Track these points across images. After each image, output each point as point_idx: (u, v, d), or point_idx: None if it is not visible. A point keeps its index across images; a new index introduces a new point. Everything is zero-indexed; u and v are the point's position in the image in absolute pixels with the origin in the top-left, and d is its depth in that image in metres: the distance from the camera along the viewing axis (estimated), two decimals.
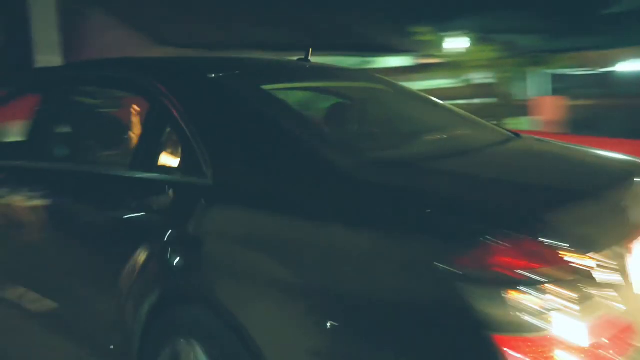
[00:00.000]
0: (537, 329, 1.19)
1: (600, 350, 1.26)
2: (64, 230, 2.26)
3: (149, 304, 1.77)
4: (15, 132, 2.95)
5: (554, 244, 1.27)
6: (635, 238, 1.51)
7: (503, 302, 1.19)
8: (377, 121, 2.63)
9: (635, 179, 1.80)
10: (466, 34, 11.98)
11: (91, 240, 2.10)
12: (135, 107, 2.27)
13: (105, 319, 1.99)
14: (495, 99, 9.68)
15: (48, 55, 10.46)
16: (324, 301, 1.40)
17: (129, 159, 2.08)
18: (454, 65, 10.67)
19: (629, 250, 1.47)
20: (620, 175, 1.91)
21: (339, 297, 1.38)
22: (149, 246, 1.80)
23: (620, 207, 1.61)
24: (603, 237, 1.43)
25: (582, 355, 1.22)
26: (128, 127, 2.37)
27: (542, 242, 1.26)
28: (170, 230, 1.76)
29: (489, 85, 10.27)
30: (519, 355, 1.17)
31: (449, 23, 13.14)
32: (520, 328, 1.18)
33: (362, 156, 1.84)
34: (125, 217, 1.95)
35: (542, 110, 8.38)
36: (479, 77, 10.68)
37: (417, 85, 12.15)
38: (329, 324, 1.37)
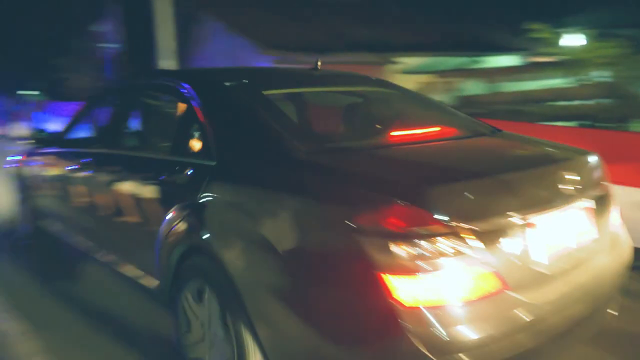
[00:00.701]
0: (412, 270, 1.67)
1: (466, 293, 1.72)
2: (128, 200, 2.91)
3: (177, 254, 2.40)
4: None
5: (434, 211, 1.71)
6: (536, 213, 1.96)
7: (388, 249, 1.67)
8: (361, 118, 3.09)
9: (552, 166, 2.23)
10: (585, 30, 11.16)
11: (145, 207, 2.77)
12: (179, 106, 2.84)
13: (150, 264, 2.66)
14: (615, 99, 8.89)
15: (167, 60, 11.15)
16: (277, 249, 1.92)
17: (169, 147, 2.78)
18: (571, 63, 9.95)
19: (529, 223, 1.92)
20: (540, 162, 2.31)
21: (287, 246, 1.91)
22: (177, 211, 2.42)
23: (524, 187, 2.00)
24: (492, 209, 1.85)
25: (447, 292, 1.69)
26: (171, 122, 2.98)
27: (423, 209, 1.71)
28: (188, 199, 2.38)
29: (610, 84, 9.46)
30: (395, 287, 1.66)
31: (566, 18, 12.34)
32: (400, 269, 1.66)
33: (320, 146, 2.38)
34: (164, 190, 2.61)
35: None
36: (598, 76, 9.87)
37: (528, 85, 11.53)
38: (279, 265, 1.93)
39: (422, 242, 1.69)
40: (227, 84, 2.79)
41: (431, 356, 1.68)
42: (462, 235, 1.74)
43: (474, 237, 1.76)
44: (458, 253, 1.73)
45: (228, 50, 13.75)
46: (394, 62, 12.69)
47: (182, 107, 2.76)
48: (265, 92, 2.72)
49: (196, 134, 2.57)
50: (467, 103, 11.81)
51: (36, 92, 25.36)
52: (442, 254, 1.70)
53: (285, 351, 2.02)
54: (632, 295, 3.09)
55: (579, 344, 2.54)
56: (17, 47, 29.88)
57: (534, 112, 9.34)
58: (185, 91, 2.71)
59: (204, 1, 14.59)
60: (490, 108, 10.15)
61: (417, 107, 3.31)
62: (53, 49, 22.14)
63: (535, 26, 10.17)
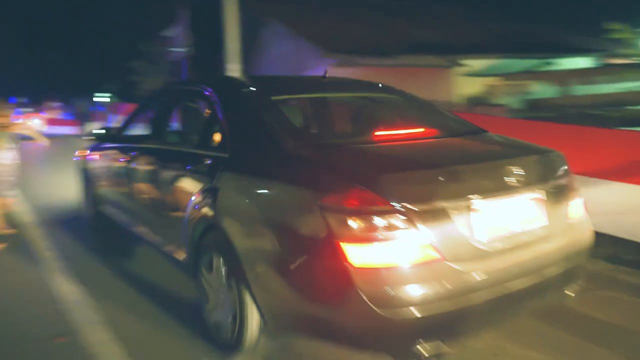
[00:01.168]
0: (362, 239, 2.13)
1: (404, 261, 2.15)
2: (164, 186, 3.46)
3: (199, 231, 2.92)
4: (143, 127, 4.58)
5: (383, 194, 2.16)
6: (479, 200, 2.32)
7: (345, 223, 2.14)
8: (357, 119, 3.60)
9: (501, 161, 2.57)
10: None
11: (177, 193, 3.29)
12: (205, 107, 3.37)
13: (180, 240, 3.19)
14: None
15: (232, 63, 11.37)
16: (267, 224, 2.44)
17: (196, 141, 3.34)
18: None
19: (472, 208, 2.30)
20: (492, 157, 2.69)
21: (273, 221, 2.43)
22: (199, 195, 2.93)
23: (469, 178, 2.38)
24: (436, 195, 2.24)
25: (389, 258, 2.14)
26: (199, 121, 3.52)
27: (374, 192, 2.16)
28: (207, 185, 2.88)
29: None
30: (348, 252, 2.12)
31: None
32: (353, 238, 2.13)
33: (308, 142, 2.90)
34: (191, 177, 3.11)
35: None
36: None
37: (605, 88, 10.89)
38: (268, 237, 2.42)
39: (372, 218, 2.16)
40: (243, 90, 3.34)
41: (373, 307, 2.13)
42: (406, 214, 2.18)
43: (416, 216, 2.19)
44: (400, 228, 2.17)
45: (291, 54, 13.86)
46: (461, 65, 12.33)
47: (207, 108, 3.33)
48: (274, 98, 3.23)
49: (216, 131, 3.09)
50: (535, 106, 11.33)
51: (108, 95, 26.56)
52: (387, 228, 2.15)
53: (273, 306, 2.52)
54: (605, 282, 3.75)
55: (527, 314, 3.00)
56: (96, 52, 31.49)
57: (611, 116, 8.82)
58: (210, 95, 3.29)
59: (269, 5, 14.78)
60: (561, 111, 9.66)
61: (414, 111, 3.71)
62: (128, 53, 23.15)
63: (614, 26, 9.58)
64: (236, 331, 2.69)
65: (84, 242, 4.98)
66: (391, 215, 2.16)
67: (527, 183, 2.52)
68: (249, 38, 14.79)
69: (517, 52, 13.73)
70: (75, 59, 34.09)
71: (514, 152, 2.85)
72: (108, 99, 26.95)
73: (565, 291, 2.75)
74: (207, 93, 3.34)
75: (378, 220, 2.15)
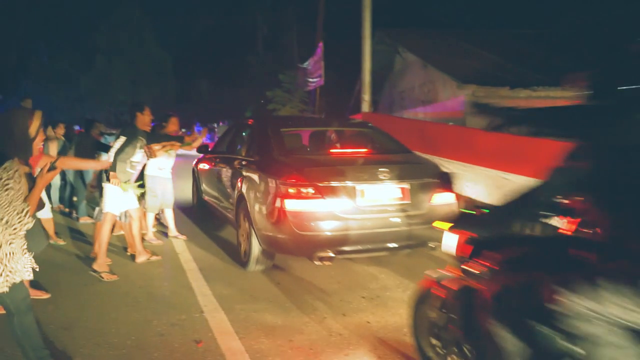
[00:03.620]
0: (293, 197, 4.60)
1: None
2: (227, 174, 6.06)
3: (237, 200, 5.51)
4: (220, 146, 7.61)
5: (305, 177, 4.62)
6: (362, 184, 4.70)
7: (287, 190, 4.59)
8: (327, 142, 6.56)
9: (385, 166, 4.78)
10: None
11: (233, 180, 5.73)
12: (249, 132, 6.23)
13: (232, 208, 5.78)
14: None
15: (366, 94, 11.58)
16: (260, 191, 4.95)
17: (244, 151, 5.94)
18: None
19: (357, 188, 4.68)
20: (380, 163, 4.93)
21: (262, 190, 4.91)
22: (240, 181, 5.44)
23: (360, 172, 4.76)
24: (336, 179, 4.62)
25: (306, 207, 4.61)
26: (247, 140, 6.17)
27: (301, 176, 4.64)
28: (245, 175, 5.39)
29: None
30: (286, 203, 4.59)
31: None
32: (289, 197, 4.59)
33: (288, 154, 5.17)
34: (238, 171, 5.63)
35: None
36: None
37: None
38: (259, 198, 4.94)
39: (299, 188, 4.47)
40: (267, 124, 5.93)
41: (296, 230, 4.45)
42: (316, 187, 4.48)
43: (322, 189, 4.48)
44: (312, 193, 4.47)
45: (424, 84, 13.72)
46: None
47: (250, 133, 5.99)
48: (283, 129, 5.79)
49: (254, 145, 5.58)
50: None
51: None
52: (305, 193, 4.47)
53: (261, 235, 4.81)
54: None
55: (398, 252, 5.14)
56: (240, 82, 33.76)
57: None
58: (252, 125, 6.12)
59: (403, 37, 14.82)
60: None
61: (373, 138, 5.92)
62: (268, 83, 24.41)
63: None
64: (248, 255, 5.12)
65: (193, 216, 8.15)
66: (308, 187, 4.46)
67: (396, 178, 4.66)
68: (383, 69, 14.91)
69: None
70: (223, 87, 36.86)
71: (398, 162, 5.08)
72: None
73: (429, 244, 4.69)
74: (251, 124, 6.24)
75: (302, 189, 4.45)
